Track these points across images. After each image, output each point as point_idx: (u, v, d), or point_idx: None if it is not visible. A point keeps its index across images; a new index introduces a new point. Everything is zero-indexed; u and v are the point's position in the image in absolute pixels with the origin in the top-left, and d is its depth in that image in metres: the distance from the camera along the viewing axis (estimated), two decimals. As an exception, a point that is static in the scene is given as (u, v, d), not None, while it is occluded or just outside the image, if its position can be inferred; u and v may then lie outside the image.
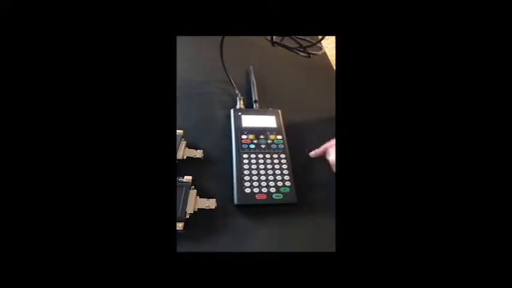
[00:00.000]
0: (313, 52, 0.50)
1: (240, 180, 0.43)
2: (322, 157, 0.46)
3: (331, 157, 0.43)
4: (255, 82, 0.58)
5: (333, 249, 0.26)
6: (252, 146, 0.48)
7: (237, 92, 0.56)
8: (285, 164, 0.46)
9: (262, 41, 0.60)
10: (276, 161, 0.46)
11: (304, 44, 0.50)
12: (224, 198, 0.42)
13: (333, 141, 0.45)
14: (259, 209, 0.42)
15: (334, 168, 0.42)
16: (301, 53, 0.51)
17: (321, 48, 0.52)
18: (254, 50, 0.68)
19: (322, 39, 0.46)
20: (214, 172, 0.45)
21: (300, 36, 0.50)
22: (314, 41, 0.49)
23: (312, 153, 0.48)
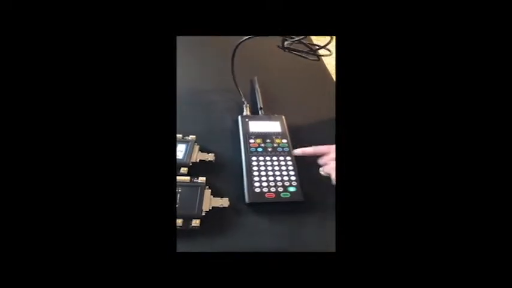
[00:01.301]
0: (322, 54, 0.56)
1: (250, 180, 0.47)
2: (308, 157, 0.49)
3: (327, 170, 0.46)
4: (259, 91, 0.62)
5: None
6: (260, 149, 0.51)
7: (243, 100, 0.60)
8: (290, 165, 0.50)
9: (264, 50, 0.64)
10: (282, 162, 0.50)
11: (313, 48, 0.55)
12: (236, 197, 0.45)
13: (328, 150, 0.48)
14: (269, 207, 0.45)
15: (333, 178, 0.45)
16: (310, 57, 0.56)
17: (329, 51, 0.56)
18: (257, 59, 0.73)
19: (330, 41, 0.51)
20: (225, 173, 0.48)
21: (307, 43, 0.55)
22: (322, 45, 0.54)
23: (298, 151, 0.51)
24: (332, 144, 0.47)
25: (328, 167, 0.47)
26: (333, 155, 0.47)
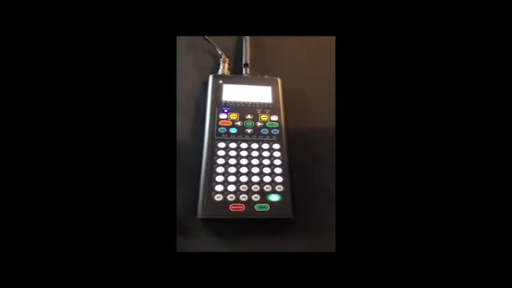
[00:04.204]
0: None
1: (210, 181, 0.30)
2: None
3: None
4: (248, 39, 0.42)
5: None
6: (233, 130, 0.33)
7: (220, 52, 0.41)
8: (278, 158, 0.32)
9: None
10: (265, 153, 0.32)
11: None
12: (184, 207, 0.29)
13: None
14: (234, 227, 0.29)
15: None
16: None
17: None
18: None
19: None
20: (178, 167, 0.31)
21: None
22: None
23: None
24: None
25: None
26: None
